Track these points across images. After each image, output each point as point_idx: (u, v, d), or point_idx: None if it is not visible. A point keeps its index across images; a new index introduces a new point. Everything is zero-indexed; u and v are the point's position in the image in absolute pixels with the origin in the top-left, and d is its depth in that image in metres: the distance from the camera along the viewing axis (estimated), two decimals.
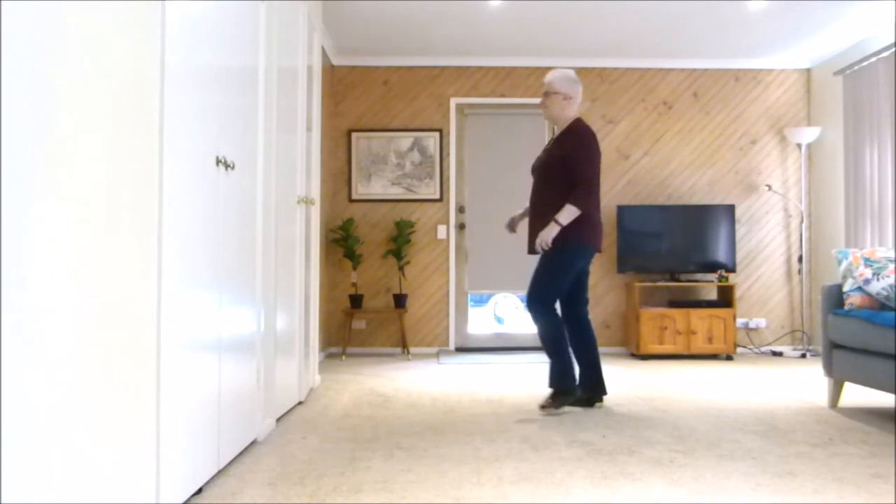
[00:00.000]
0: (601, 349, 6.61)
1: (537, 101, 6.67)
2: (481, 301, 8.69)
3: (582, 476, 2.60)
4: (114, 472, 1.75)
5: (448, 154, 6.62)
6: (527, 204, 4.12)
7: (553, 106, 3.93)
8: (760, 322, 6.65)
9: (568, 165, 3.81)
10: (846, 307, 3.92)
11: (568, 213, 3.77)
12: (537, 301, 3.83)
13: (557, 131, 3.98)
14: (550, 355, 3.80)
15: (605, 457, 2.87)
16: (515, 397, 4.26)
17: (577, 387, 3.84)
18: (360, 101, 6.65)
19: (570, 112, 3.95)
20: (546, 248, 3.81)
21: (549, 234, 3.78)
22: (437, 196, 6.59)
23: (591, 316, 6.62)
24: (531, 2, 5.29)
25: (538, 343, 6.65)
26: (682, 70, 6.73)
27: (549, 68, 6.65)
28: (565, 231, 3.79)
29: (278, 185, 3.44)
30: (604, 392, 3.94)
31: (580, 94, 3.96)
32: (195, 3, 2.26)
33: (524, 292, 6.88)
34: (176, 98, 2.09)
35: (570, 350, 3.92)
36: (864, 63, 5.72)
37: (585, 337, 3.96)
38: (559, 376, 3.80)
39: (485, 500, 2.33)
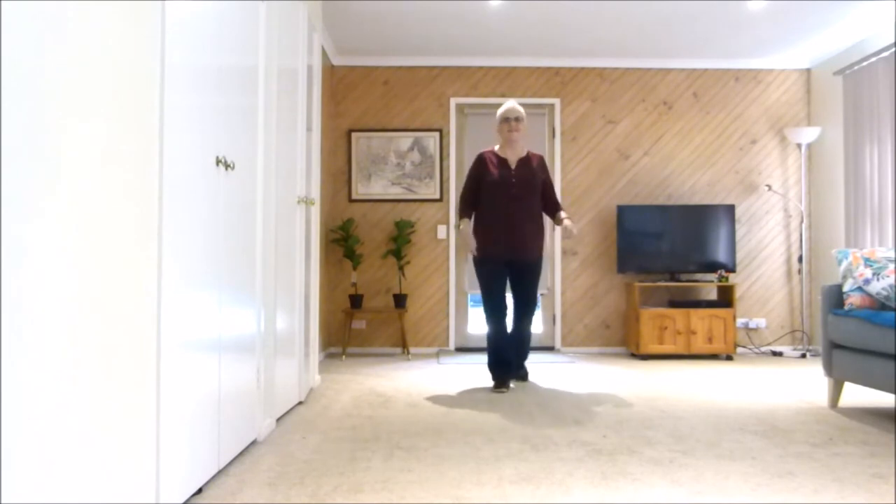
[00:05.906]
0: (601, 349, 6.62)
1: (537, 101, 6.68)
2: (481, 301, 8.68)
3: (582, 476, 2.60)
4: (114, 472, 1.75)
5: (448, 154, 6.62)
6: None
7: (523, 132, 4.63)
8: (760, 322, 6.65)
9: (544, 187, 4.65)
10: (846, 307, 3.92)
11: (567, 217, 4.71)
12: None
13: (513, 157, 4.61)
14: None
15: (605, 457, 2.87)
16: (515, 397, 4.26)
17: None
18: (360, 101, 6.65)
19: None
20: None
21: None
22: (437, 196, 6.59)
23: (591, 315, 6.64)
24: (531, 2, 5.29)
25: (537, 343, 6.68)
26: (682, 70, 6.73)
27: (549, 68, 6.66)
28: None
29: (278, 185, 3.44)
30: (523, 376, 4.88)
31: None
32: (195, 3, 2.26)
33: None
34: (176, 98, 2.09)
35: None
36: (864, 63, 5.73)
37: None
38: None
39: (485, 500, 2.33)
